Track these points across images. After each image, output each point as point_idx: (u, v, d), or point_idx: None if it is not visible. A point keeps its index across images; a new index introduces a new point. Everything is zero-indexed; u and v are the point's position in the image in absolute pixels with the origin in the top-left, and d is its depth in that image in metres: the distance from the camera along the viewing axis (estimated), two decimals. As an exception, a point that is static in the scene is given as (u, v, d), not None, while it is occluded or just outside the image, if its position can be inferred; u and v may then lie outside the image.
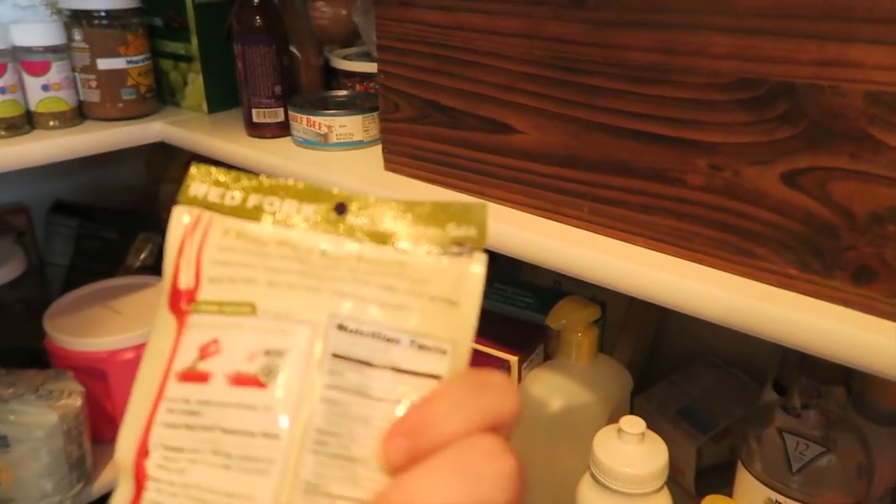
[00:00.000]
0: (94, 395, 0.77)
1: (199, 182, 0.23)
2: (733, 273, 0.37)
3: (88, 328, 0.78)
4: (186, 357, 0.21)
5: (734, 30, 0.34)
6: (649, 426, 0.51)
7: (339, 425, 0.20)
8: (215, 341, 0.21)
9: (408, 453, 0.19)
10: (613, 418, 0.53)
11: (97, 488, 0.76)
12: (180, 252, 0.22)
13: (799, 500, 0.45)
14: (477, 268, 0.22)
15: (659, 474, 0.50)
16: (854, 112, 0.31)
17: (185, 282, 0.22)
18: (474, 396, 0.20)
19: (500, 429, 0.20)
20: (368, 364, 0.21)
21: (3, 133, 0.64)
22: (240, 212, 0.23)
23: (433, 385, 0.21)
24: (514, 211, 0.46)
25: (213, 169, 0.23)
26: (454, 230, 0.22)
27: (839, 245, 0.33)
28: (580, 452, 0.54)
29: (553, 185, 0.43)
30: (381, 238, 0.22)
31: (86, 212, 0.96)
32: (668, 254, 0.40)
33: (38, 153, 0.64)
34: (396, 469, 0.20)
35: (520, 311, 0.64)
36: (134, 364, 0.78)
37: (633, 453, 0.50)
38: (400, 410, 0.20)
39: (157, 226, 0.99)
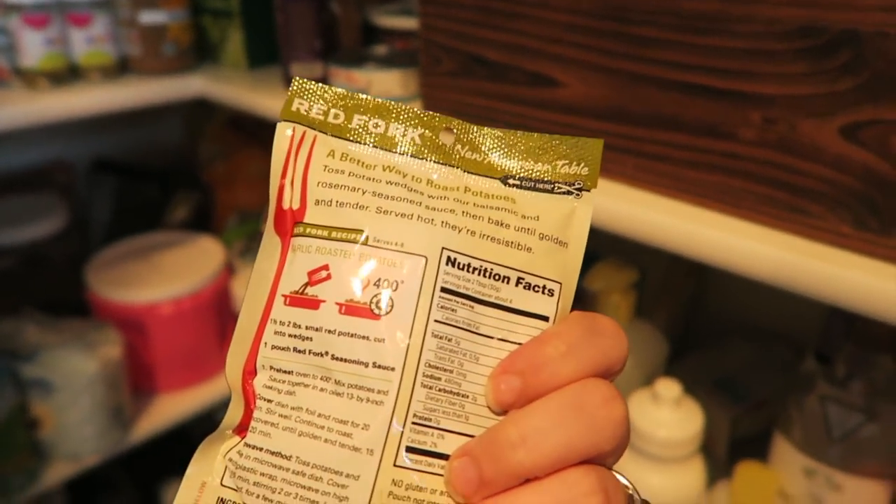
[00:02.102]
0: (133, 347, 0.78)
1: (300, 98, 0.22)
2: (784, 231, 0.36)
3: (129, 282, 0.80)
4: (294, 280, 0.21)
5: (796, -24, 0.32)
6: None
7: (450, 361, 0.20)
8: (325, 267, 0.20)
9: (520, 392, 0.19)
10: (648, 383, 0.52)
11: (135, 436, 0.79)
12: (284, 171, 0.22)
13: (838, 469, 0.44)
14: (586, 208, 0.21)
15: (693, 439, 0.50)
16: (923, 60, 0.30)
17: (291, 202, 0.21)
18: (588, 340, 0.20)
19: (610, 374, 0.20)
20: (478, 301, 0.20)
21: (48, 85, 0.65)
22: (343, 131, 0.22)
23: (541, 325, 0.20)
24: (556, 167, 0.45)
25: (314, 84, 0.22)
26: (565, 168, 0.22)
27: (899, 202, 0.32)
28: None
29: (597, 140, 0.42)
30: (490, 170, 0.22)
31: (126, 169, 0.98)
32: (716, 211, 0.38)
33: (83, 105, 0.65)
34: (505, 407, 0.19)
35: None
36: (172, 318, 0.79)
37: (668, 417, 0.50)
38: (509, 349, 0.20)
39: (196, 184, 1.00)
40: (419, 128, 0.22)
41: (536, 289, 0.21)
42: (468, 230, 0.21)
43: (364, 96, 0.22)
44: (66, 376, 0.69)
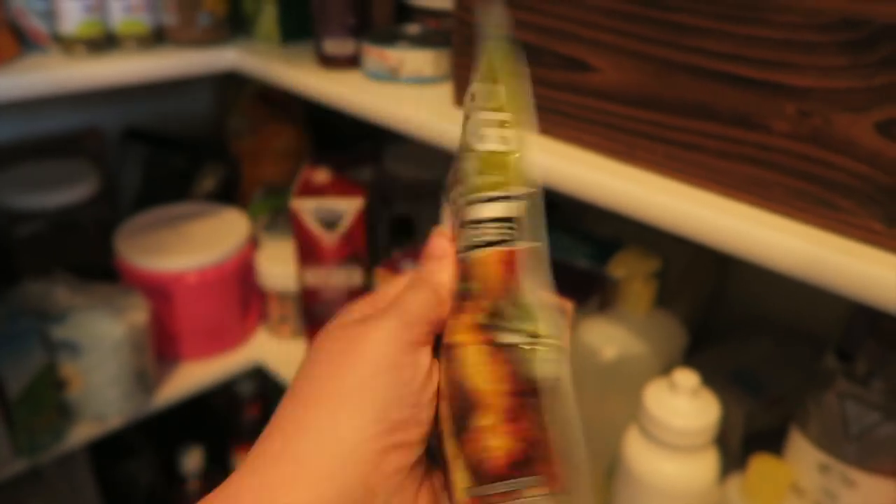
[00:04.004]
0: (158, 314, 0.80)
1: None
2: (813, 225, 0.36)
3: (156, 250, 0.81)
4: None
5: (840, -33, 0.32)
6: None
7: None
8: None
9: None
10: (665, 373, 0.53)
11: (157, 401, 0.80)
12: None
13: (853, 466, 0.45)
14: None
15: (708, 429, 0.50)
16: (966, 57, 0.29)
17: None
18: None
19: None
20: None
21: (85, 52, 0.66)
22: None
23: None
24: (586, 153, 0.45)
25: None
26: None
27: (932, 200, 0.31)
28: (629, 404, 0.54)
29: (628, 126, 0.42)
30: None
31: (156, 139, 0.99)
32: (745, 202, 0.38)
33: (118, 73, 0.66)
34: None
35: (578, 261, 0.63)
36: (196, 288, 0.81)
37: (684, 406, 0.50)
38: None
39: (224, 156, 1.01)
40: None
41: None
42: None
43: None
44: (93, 339, 0.71)
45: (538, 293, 0.26)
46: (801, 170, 0.36)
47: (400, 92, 0.59)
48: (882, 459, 0.44)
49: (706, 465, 0.51)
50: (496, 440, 0.24)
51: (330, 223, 0.72)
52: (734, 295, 0.75)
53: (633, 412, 0.53)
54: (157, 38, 0.71)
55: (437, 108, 0.55)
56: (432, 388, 0.28)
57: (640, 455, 0.52)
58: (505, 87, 0.26)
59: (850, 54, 0.33)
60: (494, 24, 0.27)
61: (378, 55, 0.61)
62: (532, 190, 0.27)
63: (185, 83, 0.93)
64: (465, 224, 0.27)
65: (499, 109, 0.26)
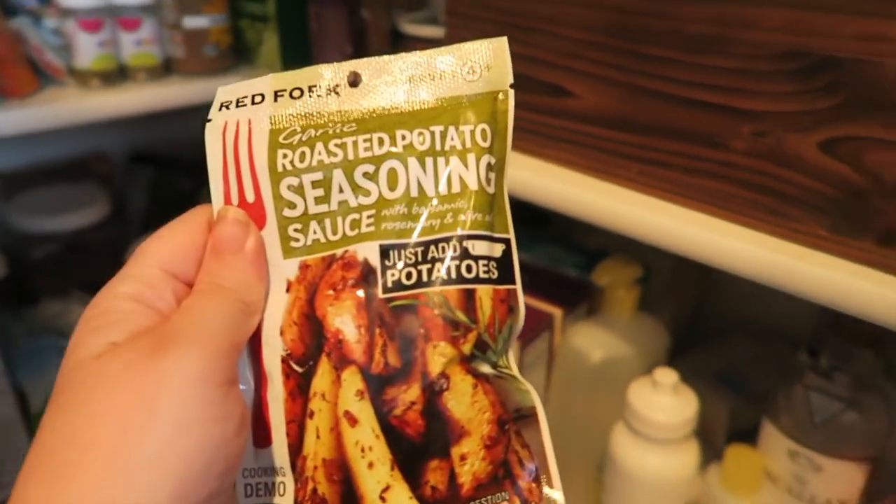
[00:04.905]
0: (169, 329, 0.84)
1: None
2: (768, 233, 0.40)
3: (165, 267, 0.85)
4: None
5: (787, 4, 0.36)
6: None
7: None
8: None
9: None
10: (650, 372, 0.57)
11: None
12: None
13: (819, 452, 0.49)
14: None
15: (688, 422, 0.54)
16: (890, 84, 0.34)
17: None
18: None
19: None
20: None
21: (99, 84, 0.70)
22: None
23: None
24: (569, 171, 0.50)
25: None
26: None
27: (868, 209, 0.36)
28: (616, 403, 0.58)
29: (606, 146, 0.47)
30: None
31: (162, 161, 1.03)
32: (710, 214, 0.43)
33: (131, 104, 0.70)
34: None
35: (568, 270, 0.67)
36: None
37: (665, 402, 0.54)
38: None
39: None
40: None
41: None
42: None
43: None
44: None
45: (508, 329, 0.27)
46: (757, 183, 0.40)
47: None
48: (845, 445, 0.48)
49: (688, 457, 0.55)
50: (475, 465, 0.25)
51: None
52: (717, 300, 0.79)
53: (621, 411, 0.57)
54: (166, 69, 0.75)
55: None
56: (241, 443, 0.23)
57: (627, 449, 0.56)
58: (499, 133, 0.27)
59: (796, 82, 0.37)
60: (499, 73, 0.28)
61: (375, 82, 0.65)
62: (510, 235, 0.27)
63: (190, 109, 0.97)
64: (441, 255, 0.26)
65: (489, 152, 0.27)
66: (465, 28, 0.54)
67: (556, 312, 0.62)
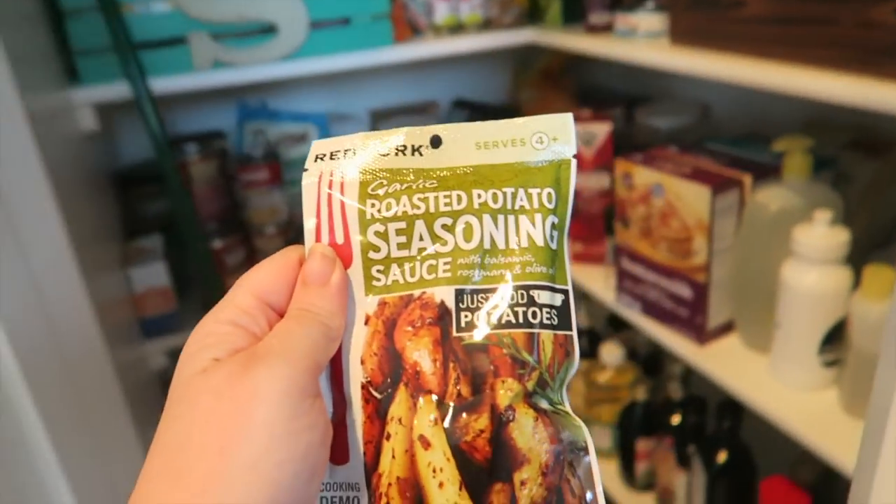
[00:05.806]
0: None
1: None
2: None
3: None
4: None
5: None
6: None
7: None
8: None
9: None
10: (813, 215, 0.75)
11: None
12: None
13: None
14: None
15: (838, 246, 0.72)
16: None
17: None
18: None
19: None
20: None
21: (447, 34, 1.10)
22: None
23: None
24: (746, 58, 0.73)
25: None
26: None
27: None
28: (788, 249, 0.77)
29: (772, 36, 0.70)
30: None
31: (477, 107, 1.42)
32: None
33: (467, 46, 1.09)
34: None
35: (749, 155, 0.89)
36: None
37: (821, 231, 0.73)
38: None
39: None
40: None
41: None
42: None
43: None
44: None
45: (565, 370, 0.29)
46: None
47: (637, 43, 0.92)
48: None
49: (840, 277, 0.73)
50: (533, 490, 0.27)
51: (587, 141, 1.06)
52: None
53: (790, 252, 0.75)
54: (486, 24, 1.13)
55: (660, 47, 0.86)
56: (325, 452, 0.25)
57: (792, 272, 0.75)
58: (562, 197, 0.30)
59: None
60: (564, 144, 0.30)
61: (623, 20, 0.94)
62: (569, 287, 0.29)
63: (491, 65, 1.34)
64: (511, 301, 0.28)
65: (553, 213, 0.29)
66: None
67: (746, 178, 0.84)
